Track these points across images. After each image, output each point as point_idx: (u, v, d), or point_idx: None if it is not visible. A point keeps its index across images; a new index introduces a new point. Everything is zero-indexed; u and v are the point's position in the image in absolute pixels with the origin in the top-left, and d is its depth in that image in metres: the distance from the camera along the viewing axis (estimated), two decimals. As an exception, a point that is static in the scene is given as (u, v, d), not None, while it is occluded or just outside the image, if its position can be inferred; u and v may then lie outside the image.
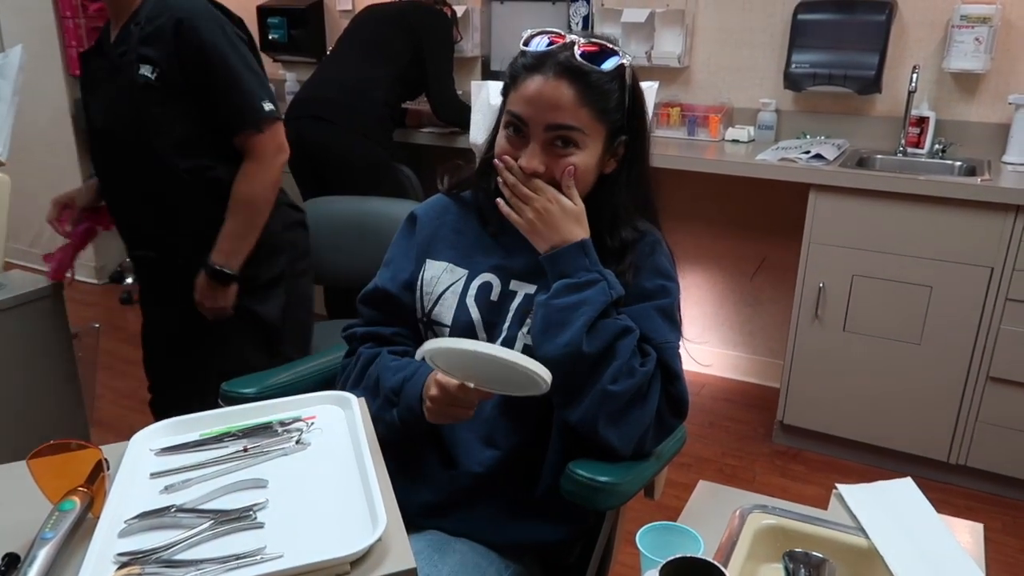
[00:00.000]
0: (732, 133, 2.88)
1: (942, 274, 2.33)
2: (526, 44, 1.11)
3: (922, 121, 2.63)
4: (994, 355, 2.32)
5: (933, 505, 1.13)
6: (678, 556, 0.69)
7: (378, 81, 2.84)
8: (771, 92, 2.89)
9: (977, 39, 2.47)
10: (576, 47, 1.07)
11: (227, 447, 0.99)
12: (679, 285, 1.20)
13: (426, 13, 2.90)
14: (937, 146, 2.64)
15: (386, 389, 1.18)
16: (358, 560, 0.76)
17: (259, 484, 0.91)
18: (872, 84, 2.65)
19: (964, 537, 1.05)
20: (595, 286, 1.08)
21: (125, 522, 0.84)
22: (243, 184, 1.67)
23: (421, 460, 1.20)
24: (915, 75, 2.55)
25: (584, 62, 1.06)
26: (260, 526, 0.83)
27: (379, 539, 0.77)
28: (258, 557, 0.77)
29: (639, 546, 0.91)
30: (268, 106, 1.65)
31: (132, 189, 1.73)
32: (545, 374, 0.94)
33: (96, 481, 0.90)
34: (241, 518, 0.83)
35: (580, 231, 1.11)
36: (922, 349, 2.42)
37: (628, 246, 1.17)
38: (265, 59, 3.76)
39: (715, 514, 1.09)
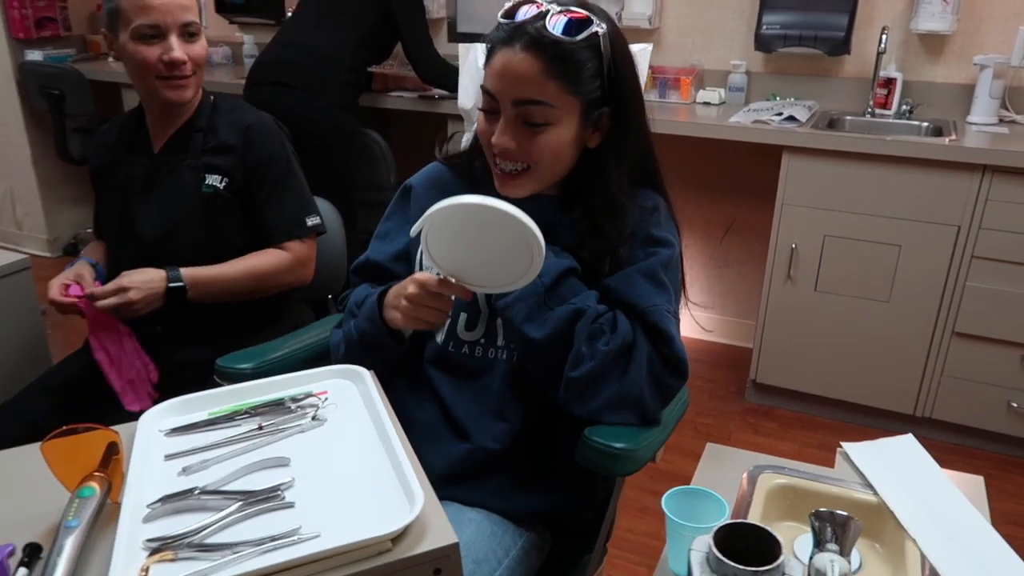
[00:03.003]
0: (703, 95, 2.88)
1: (910, 233, 2.38)
2: (503, 16, 1.08)
3: (889, 82, 2.67)
4: (960, 311, 2.39)
5: None
6: (729, 522, 0.70)
7: (342, 44, 2.75)
8: (741, 54, 2.90)
9: (944, 0, 2.50)
10: (548, 17, 1.03)
11: (239, 426, 0.97)
12: (675, 247, 1.19)
13: (391, -28, 2.81)
14: (904, 107, 2.68)
15: (350, 304, 1.22)
16: (398, 537, 0.76)
17: (281, 463, 0.89)
18: (841, 45, 2.67)
19: (966, 490, 1.09)
20: None
21: (147, 507, 0.81)
22: (271, 262, 1.62)
23: (434, 433, 1.19)
24: (884, 36, 2.58)
25: (551, 33, 1.02)
26: (290, 506, 0.81)
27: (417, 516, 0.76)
28: (294, 538, 0.76)
29: (665, 510, 0.92)
30: (313, 220, 1.66)
31: None
32: (541, 241, 0.94)
33: (110, 465, 0.87)
34: (270, 498, 0.82)
35: None
36: (890, 306, 2.48)
37: (623, 222, 1.14)
38: (221, 21, 3.67)
39: (725, 475, 1.11)
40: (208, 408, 1.01)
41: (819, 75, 2.84)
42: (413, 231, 1.00)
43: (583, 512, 1.26)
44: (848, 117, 2.71)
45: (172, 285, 1.52)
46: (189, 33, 1.53)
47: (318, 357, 1.39)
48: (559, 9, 1.04)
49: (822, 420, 2.73)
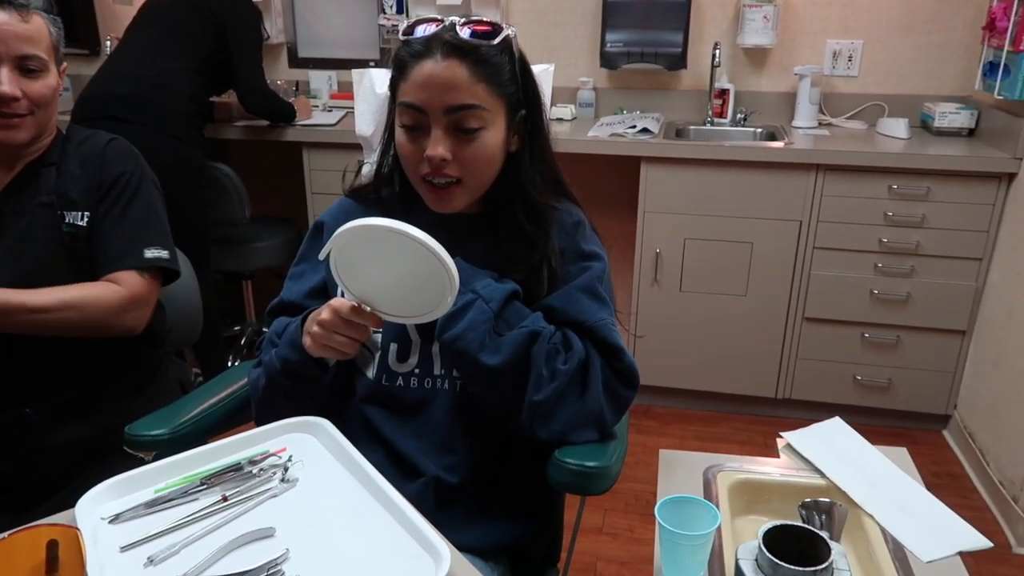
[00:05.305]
0: (555, 112, 2.97)
1: (760, 230, 2.58)
2: (408, 33, 1.08)
3: (723, 93, 2.89)
4: (807, 298, 2.62)
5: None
6: (777, 523, 0.71)
7: (181, 74, 2.57)
8: (587, 71, 3.02)
9: (765, 17, 2.74)
10: (458, 27, 1.06)
11: (198, 500, 0.87)
12: (606, 260, 1.22)
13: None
14: (739, 115, 2.91)
15: (270, 334, 1.17)
16: (430, 594, 0.71)
17: (266, 534, 0.80)
18: (679, 60, 2.86)
19: (895, 460, 1.19)
20: (472, 308, 1.06)
21: (123, 610, 0.71)
22: (97, 295, 1.37)
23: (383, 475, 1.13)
24: (717, 51, 2.79)
25: (470, 38, 1.05)
26: (296, 581, 0.74)
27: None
28: (316, 615, 0.69)
29: (659, 520, 0.93)
30: (154, 253, 1.45)
31: (30, 347, 1.38)
32: (455, 273, 0.94)
33: (59, 569, 0.74)
34: (270, 576, 0.74)
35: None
36: (747, 300, 2.67)
37: (547, 227, 1.16)
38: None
39: (685, 477, 1.14)
40: (152, 485, 0.89)
41: (660, 89, 3.01)
42: (322, 254, 0.98)
43: (539, 540, 1.24)
44: (692, 127, 2.90)
45: None
46: (28, 68, 1.34)
47: (237, 410, 1.28)
48: (463, 21, 1.06)
49: (696, 412, 2.88)
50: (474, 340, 1.05)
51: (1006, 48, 2.34)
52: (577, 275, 1.16)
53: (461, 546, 1.10)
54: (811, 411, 2.80)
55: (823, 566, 0.68)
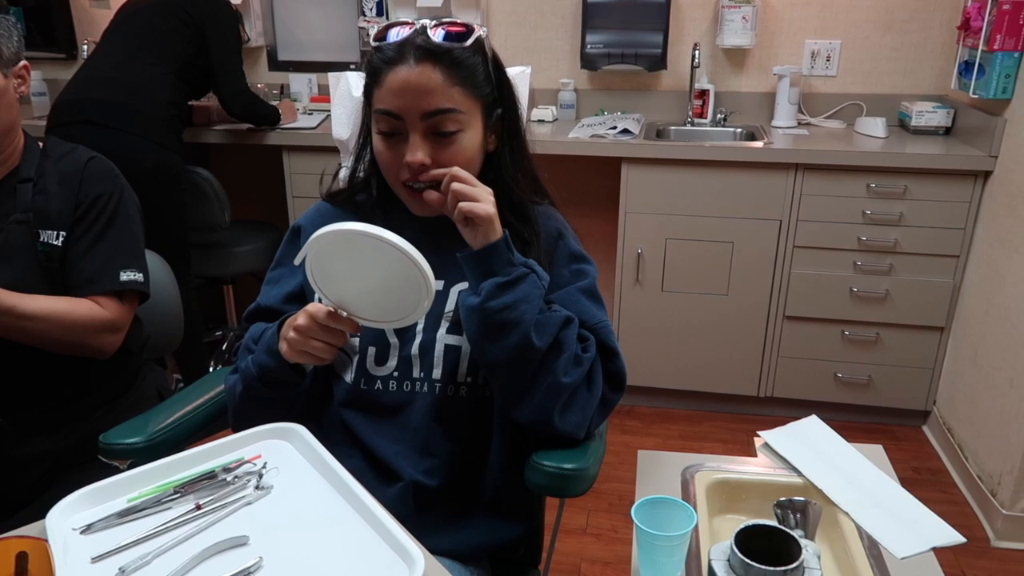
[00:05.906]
0: (536, 113, 2.97)
1: (741, 230, 2.60)
2: (379, 38, 1.08)
3: (703, 93, 2.90)
4: (788, 297, 2.64)
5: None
6: (750, 523, 0.72)
7: (159, 78, 2.55)
8: (568, 72, 3.02)
9: (744, 18, 2.76)
10: (429, 30, 1.05)
11: (171, 508, 0.86)
12: (594, 264, 1.22)
13: (207, 2, 2.65)
14: (719, 116, 2.92)
15: (247, 341, 1.16)
16: (404, 600, 0.71)
17: (239, 543, 0.80)
18: (659, 61, 2.87)
19: (870, 458, 1.19)
20: (526, 280, 1.05)
21: (93, 621, 0.70)
22: (85, 313, 1.36)
23: (361, 480, 1.12)
24: (697, 52, 2.80)
25: (443, 41, 1.04)
26: (268, 589, 0.74)
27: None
28: (289, 623, 0.68)
29: (635, 521, 0.93)
30: (129, 275, 1.43)
31: (5, 358, 1.36)
32: (430, 277, 0.93)
33: (27, 579, 0.74)
34: (243, 585, 0.73)
35: (498, 224, 1.09)
36: (729, 299, 2.68)
37: (535, 223, 1.15)
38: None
39: (664, 478, 1.15)
40: (125, 494, 0.88)
41: (641, 89, 3.02)
42: (297, 259, 0.98)
43: (521, 542, 1.24)
44: (672, 127, 2.91)
45: None
46: None
47: (214, 417, 1.27)
48: (434, 23, 1.06)
49: (679, 412, 2.89)
50: (529, 312, 1.02)
51: (980, 47, 2.36)
52: (570, 276, 1.16)
53: (441, 550, 1.11)
54: (793, 409, 2.81)
55: (793, 565, 0.68)
